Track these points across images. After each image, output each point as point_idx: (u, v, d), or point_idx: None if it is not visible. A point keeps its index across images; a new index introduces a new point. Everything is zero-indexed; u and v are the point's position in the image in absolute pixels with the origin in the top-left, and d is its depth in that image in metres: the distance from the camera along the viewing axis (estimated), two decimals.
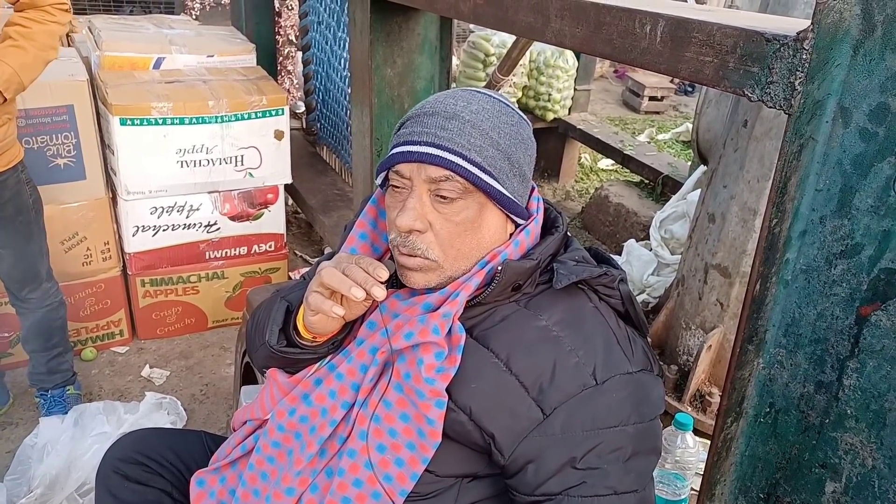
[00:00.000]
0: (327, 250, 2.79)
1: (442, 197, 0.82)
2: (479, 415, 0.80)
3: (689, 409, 1.77)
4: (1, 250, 1.74)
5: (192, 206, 2.34)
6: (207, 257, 2.44)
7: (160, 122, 2.16)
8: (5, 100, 1.57)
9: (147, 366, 2.29)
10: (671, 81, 6.01)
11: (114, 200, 2.28)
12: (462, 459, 0.85)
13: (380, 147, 2.09)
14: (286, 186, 2.56)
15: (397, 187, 0.85)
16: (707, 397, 1.77)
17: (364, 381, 0.85)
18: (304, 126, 3.64)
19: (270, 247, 2.55)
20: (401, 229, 0.83)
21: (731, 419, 0.98)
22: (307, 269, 1.26)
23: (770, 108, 0.81)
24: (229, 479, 0.98)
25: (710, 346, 1.77)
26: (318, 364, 0.94)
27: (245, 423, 1.01)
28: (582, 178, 4.45)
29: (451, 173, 0.80)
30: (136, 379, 2.24)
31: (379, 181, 0.90)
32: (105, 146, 2.24)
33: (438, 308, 0.83)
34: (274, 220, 2.51)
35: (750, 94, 0.82)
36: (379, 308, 0.90)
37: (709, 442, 1.08)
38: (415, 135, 0.82)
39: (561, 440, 0.79)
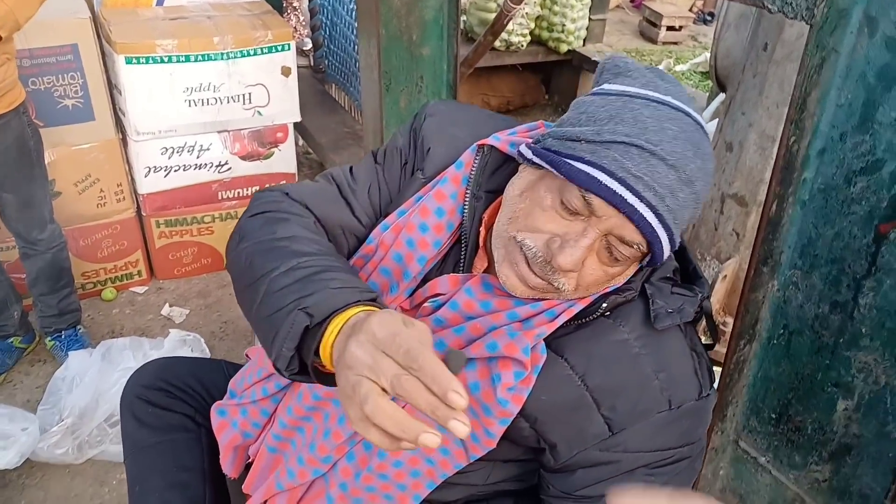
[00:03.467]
0: None
1: (612, 257, 0.72)
2: (543, 426, 0.77)
3: (703, 339, 1.78)
4: (6, 194, 1.75)
5: (202, 146, 2.33)
6: (220, 198, 2.45)
7: (166, 60, 2.13)
8: (0, 38, 1.55)
9: (167, 305, 2.33)
10: (690, 10, 5.79)
11: (124, 141, 2.27)
12: (506, 450, 0.82)
13: (388, 81, 2.05)
14: (296, 126, 2.53)
15: (571, 209, 0.70)
16: (721, 327, 1.78)
17: None
18: (312, 64, 3.57)
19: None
20: (561, 267, 0.70)
21: (744, 342, 0.98)
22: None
23: (791, 19, 0.77)
24: (251, 413, 0.98)
25: (725, 276, 1.77)
26: None
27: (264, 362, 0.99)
28: None
29: (647, 244, 0.70)
30: (156, 318, 2.28)
31: (529, 155, 0.74)
32: (112, 86, 2.21)
33: (525, 320, 0.77)
34: (284, 159, 2.50)
35: (769, 6, 0.79)
36: (449, 304, 0.81)
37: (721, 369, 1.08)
38: (640, 182, 0.67)
39: (621, 457, 0.77)
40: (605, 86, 0.74)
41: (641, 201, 0.67)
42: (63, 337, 2.02)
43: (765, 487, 1.04)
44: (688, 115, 0.71)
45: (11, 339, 1.99)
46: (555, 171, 0.70)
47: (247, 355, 1.05)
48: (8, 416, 1.57)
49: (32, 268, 1.90)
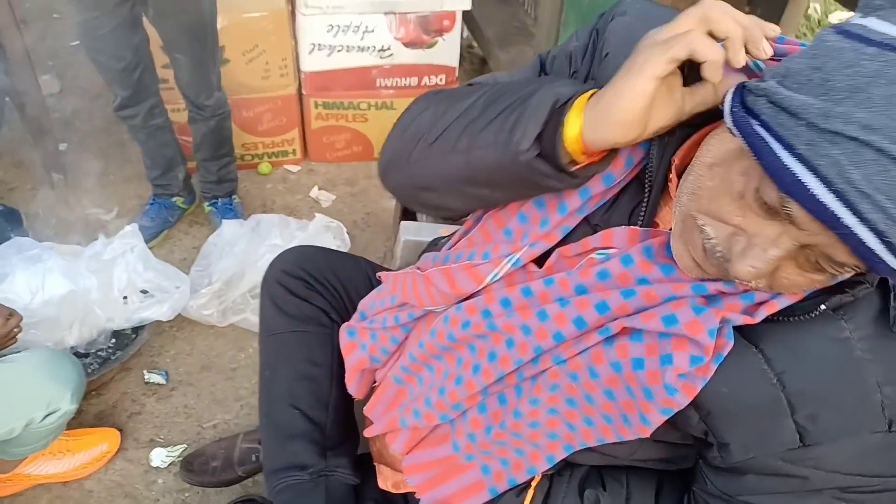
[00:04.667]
0: None
1: (817, 268, 0.54)
2: (718, 421, 0.64)
3: None
4: (178, 55, 1.76)
5: (367, 27, 2.24)
6: (378, 85, 2.37)
7: None
8: None
9: (316, 187, 2.35)
10: None
11: (292, 14, 2.23)
12: (663, 432, 0.67)
13: None
14: (464, 15, 2.36)
15: (767, 207, 0.53)
16: None
17: (572, 335, 0.68)
18: None
19: (441, 80, 2.41)
20: (737, 276, 0.56)
21: None
22: None
23: None
24: (381, 338, 0.92)
25: None
26: (503, 265, 0.74)
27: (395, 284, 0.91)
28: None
29: (867, 266, 0.51)
30: (305, 198, 2.31)
31: (728, 121, 0.54)
32: None
33: (713, 297, 0.62)
34: (447, 50, 2.35)
35: None
36: (621, 258, 0.66)
37: None
38: (865, 200, 0.46)
39: (809, 473, 0.62)
40: (871, 21, 0.47)
41: (863, 223, 0.46)
42: (219, 204, 2.10)
43: None
44: None
45: (175, 199, 2.10)
46: (755, 156, 0.51)
47: (379, 277, 0.97)
48: (165, 273, 1.66)
49: (198, 132, 1.96)
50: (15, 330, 1.29)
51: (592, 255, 0.70)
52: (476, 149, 0.65)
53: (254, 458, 1.45)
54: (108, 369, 1.55)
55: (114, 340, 1.62)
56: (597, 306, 0.65)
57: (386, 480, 0.95)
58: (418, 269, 0.86)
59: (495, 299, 0.73)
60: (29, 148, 2.26)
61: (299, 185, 2.37)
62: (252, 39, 2.16)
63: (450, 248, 0.84)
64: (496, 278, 0.75)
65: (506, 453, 0.78)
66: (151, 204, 2.09)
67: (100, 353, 1.59)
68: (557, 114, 0.60)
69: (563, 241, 0.72)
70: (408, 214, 1.61)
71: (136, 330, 1.63)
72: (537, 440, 0.75)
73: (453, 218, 0.85)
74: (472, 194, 0.71)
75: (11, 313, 1.29)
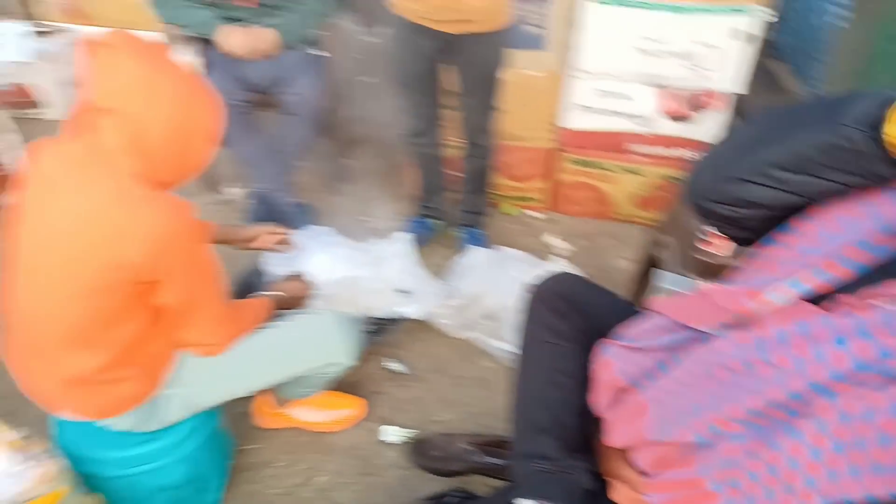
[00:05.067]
0: None
1: None
2: None
3: None
4: (470, 100, 2.02)
5: (632, 95, 2.36)
6: (631, 150, 2.47)
7: (632, 4, 2.18)
8: None
9: (554, 235, 2.49)
10: None
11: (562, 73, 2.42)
12: None
13: (870, 70, 1.77)
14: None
15: None
16: None
17: (850, 375, 0.70)
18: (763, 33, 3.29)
19: (696, 155, 2.45)
20: None
21: None
22: None
23: None
24: (642, 359, 0.98)
25: None
26: (785, 287, 0.81)
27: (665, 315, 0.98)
28: None
29: None
30: (541, 244, 2.47)
31: None
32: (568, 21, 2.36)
33: None
34: (708, 128, 2.39)
35: None
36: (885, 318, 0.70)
37: None
38: None
39: None
40: None
41: None
42: (468, 232, 2.33)
43: None
44: None
45: (432, 221, 2.37)
46: None
47: (647, 307, 1.04)
48: (424, 279, 1.90)
49: (467, 167, 2.22)
50: (307, 296, 1.58)
51: (874, 301, 0.73)
52: (802, 130, 0.79)
53: (465, 459, 1.58)
54: (363, 349, 1.79)
55: (372, 326, 1.87)
56: (881, 353, 0.68)
57: (620, 494, 1.00)
58: None
59: (769, 331, 0.78)
60: (325, 161, 2.72)
61: (538, 231, 2.54)
62: (525, 94, 2.39)
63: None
64: (775, 299, 0.80)
65: (755, 490, 0.79)
66: (413, 221, 2.38)
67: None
68: (882, 107, 0.72)
69: (847, 290, 0.76)
70: (652, 270, 1.67)
71: (391, 321, 1.87)
72: (793, 482, 0.74)
73: (740, 229, 0.93)
74: (784, 180, 0.82)
75: (310, 283, 1.58)
